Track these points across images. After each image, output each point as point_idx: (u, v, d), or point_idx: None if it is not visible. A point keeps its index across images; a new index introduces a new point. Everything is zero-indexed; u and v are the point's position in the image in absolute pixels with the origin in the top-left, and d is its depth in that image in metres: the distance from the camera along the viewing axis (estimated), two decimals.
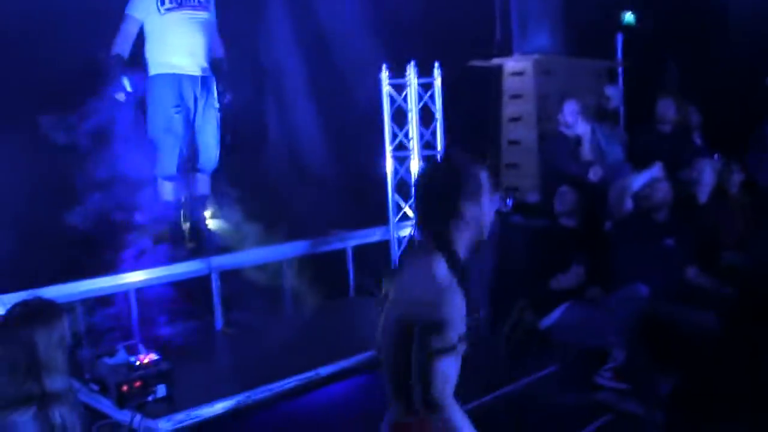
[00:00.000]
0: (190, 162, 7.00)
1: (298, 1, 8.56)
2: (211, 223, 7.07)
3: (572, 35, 10.08)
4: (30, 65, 6.35)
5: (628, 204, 7.09)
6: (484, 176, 3.21)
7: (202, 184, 7.08)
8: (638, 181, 7.12)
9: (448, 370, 2.99)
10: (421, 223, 3.27)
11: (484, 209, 3.20)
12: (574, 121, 8.43)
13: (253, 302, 6.83)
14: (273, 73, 8.51)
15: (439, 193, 3.19)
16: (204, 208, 7.09)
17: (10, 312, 3.64)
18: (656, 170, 7.17)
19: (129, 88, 6.54)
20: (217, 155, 7.05)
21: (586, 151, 8.51)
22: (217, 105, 6.98)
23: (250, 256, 6.88)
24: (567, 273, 6.94)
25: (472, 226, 3.19)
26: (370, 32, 8.39)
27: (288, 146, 8.34)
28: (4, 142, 5.88)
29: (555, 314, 6.86)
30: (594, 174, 8.06)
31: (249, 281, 6.81)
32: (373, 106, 7.82)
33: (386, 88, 7.75)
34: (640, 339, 6.31)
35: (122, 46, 6.64)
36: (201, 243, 6.93)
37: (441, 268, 3.08)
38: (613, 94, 9.38)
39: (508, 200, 8.40)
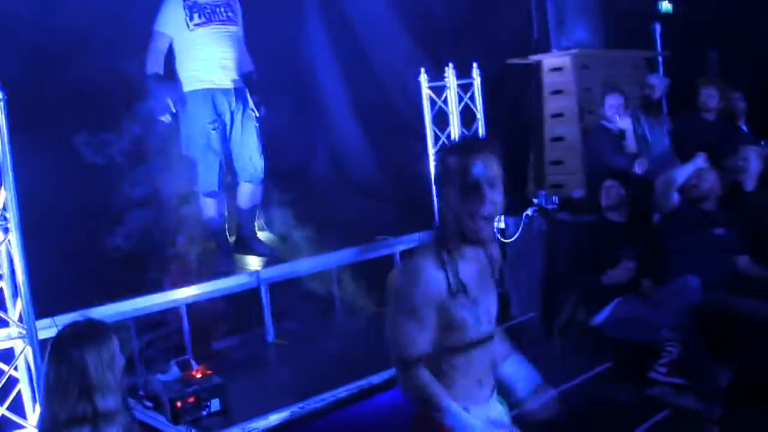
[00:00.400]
0: (233, 175, 7.01)
1: (335, 7, 8.58)
2: (259, 235, 7.11)
3: (610, 27, 10.02)
4: (65, 83, 6.43)
5: (675, 197, 7.00)
6: (456, 163, 3.12)
7: (252, 195, 7.07)
8: (683, 172, 7.04)
9: (411, 335, 3.12)
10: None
11: (454, 199, 3.12)
12: (616, 114, 8.36)
13: (303, 312, 6.86)
14: (313, 82, 8.54)
15: (438, 183, 3.22)
16: (255, 219, 7.10)
17: (60, 334, 3.66)
18: (700, 161, 7.09)
19: (173, 109, 6.58)
20: (263, 165, 7.03)
21: (631, 144, 8.43)
22: (255, 115, 6.96)
23: (298, 266, 6.89)
24: (617, 268, 6.88)
25: (454, 219, 3.14)
26: (407, 36, 8.40)
27: (331, 154, 8.36)
28: (44, 162, 5.94)
29: (607, 310, 6.81)
30: (639, 166, 7.97)
31: (298, 291, 6.84)
32: (413, 109, 7.82)
33: (426, 91, 7.76)
34: (694, 332, 6.23)
35: (157, 65, 6.66)
36: (249, 255, 6.96)
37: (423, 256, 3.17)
38: (657, 83, 9.26)
39: (553, 197, 8.36)
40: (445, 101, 7.84)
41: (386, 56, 8.26)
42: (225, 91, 6.84)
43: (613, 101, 8.37)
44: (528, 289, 7.73)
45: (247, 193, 7.06)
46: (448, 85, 7.82)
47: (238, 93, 6.91)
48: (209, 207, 6.85)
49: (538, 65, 9.37)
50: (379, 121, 8.44)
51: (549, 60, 9.35)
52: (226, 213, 6.97)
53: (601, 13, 9.95)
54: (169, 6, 6.71)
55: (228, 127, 6.89)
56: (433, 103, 7.80)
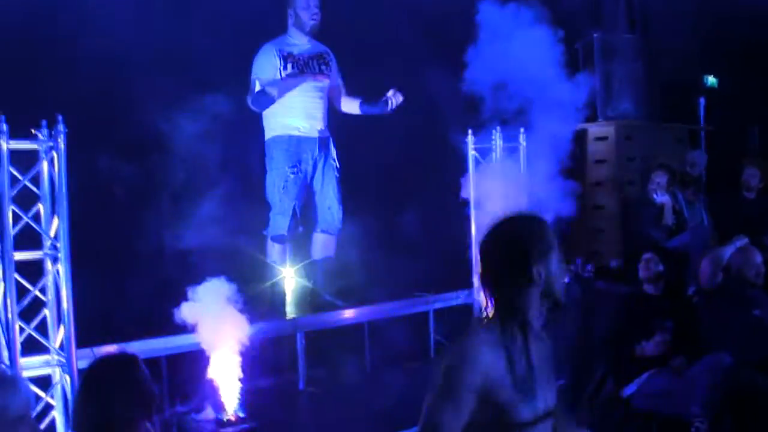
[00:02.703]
0: (309, 224, 7.08)
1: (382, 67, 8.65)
2: (297, 283, 7.12)
3: (655, 99, 10.08)
4: (123, 118, 6.56)
5: (719, 276, 7.00)
6: (551, 234, 3.03)
7: (326, 245, 7.13)
8: (727, 252, 7.05)
9: (444, 420, 2.82)
10: (488, 288, 3.04)
11: (554, 270, 2.98)
12: (657, 189, 8.41)
13: (336, 361, 6.87)
14: (361, 136, 8.59)
15: (507, 256, 2.99)
16: (326, 270, 7.11)
17: (91, 367, 3.70)
18: (743, 242, 7.10)
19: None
20: (341, 216, 7.11)
21: (669, 218, 8.46)
22: (336, 165, 7.05)
23: (336, 317, 6.92)
24: (650, 340, 6.86)
25: (543, 290, 2.98)
26: (455, 96, 8.45)
27: (374, 209, 8.38)
28: (97, 192, 6.03)
29: (638, 382, 6.78)
30: (677, 241, 8.01)
31: (333, 341, 6.86)
32: (458, 168, 7.86)
33: (472, 152, 7.81)
34: (724, 409, 6.20)
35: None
36: (316, 305, 6.97)
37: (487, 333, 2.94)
38: (698, 159, 9.33)
39: (588, 265, 8.37)
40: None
41: (433, 113, 8.31)
42: (309, 140, 6.94)
43: (658, 179, 8.42)
44: (559, 355, 7.70)
45: (321, 242, 7.13)
46: (494, 147, 7.88)
47: (322, 143, 7.01)
48: (274, 251, 6.91)
49: (583, 133, 9.44)
50: (422, 178, 8.48)
51: (594, 129, 9.42)
52: (288, 259, 7.00)
53: (647, 85, 10.02)
54: (265, 53, 6.90)
55: (309, 176, 6.96)
56: (477, 163, 7.85)
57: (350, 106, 7.31)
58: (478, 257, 3.08)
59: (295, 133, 6.89)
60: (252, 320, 5.78)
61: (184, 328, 5.54)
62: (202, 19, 6.97)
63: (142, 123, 6.46)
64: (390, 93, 7.06)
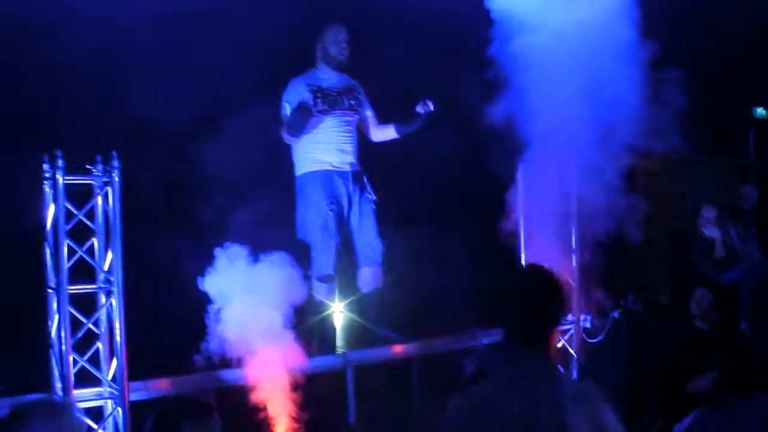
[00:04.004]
0: (346, 259, 7.03)
1: None
2: (346, 317, 7.12)
3: (704, 133, 10.01)
4: (178, 156, 6.66)
5: None
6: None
7: (372, 278, 7.08)
8: None
9: None
10: (520, 334, 3.10)
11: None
12: (707, 224, 8.36)
13: (384, 397, 6.86)
14: (405, 167, 8.60)
15: (542, 301, 3.06)
16: (377, 302, 7.08)
17: (160, 411, 3.73)
18: None
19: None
20: (381, 248, 7.07)
21: (719, 252, 8.40)
22: (373, 198, 7.03)
23: (385, 352, 6.88)
24: (702, 377, 6.80)
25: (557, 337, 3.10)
26: (501, 124, 8.43)
27: (421, 241, 8.38)
28: (145, 227, 6.10)
29: (689, 419, 6.71)
30: (729, 276, 7.95)
31: (382, 376, 6.85)
32: (506, 200, 7.83)
33: (519, 183, 7.78)
34: None
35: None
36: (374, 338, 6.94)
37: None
38: (749, 193, 9.26)
39: (638, 301, 8.32)
40: None
41: (483, 150, 8.29)
42: (343, 174, 6.91)
43: (707, 213, 8.38)
44: (608, 391, 7.65)
45: (367, 276, 7.08)
46: (539, 179, 7.83)
47: (356, 177, 6.99)
48: (322, 291, 6.83)
49: (633, 168, 9.39)
50: (472, 210, 8.47)
51: (644, 163, 9.38)
52: (335, 294, 6.97)
53: (697, 118, 9.96)
54: (295, 88, 6.90)
55: (346, 211, 6.93)
56: (526, 196, 7.81)
57: (385, 133, 7.31)
58: (507, 301, 3.17)
59: (328, 167, 6.87)
60: (303, 355, 5.79)
61: (236, 362, 5.57)
62: (244, 54, 7.06)
63: (192, 157, 6.54)
64: (418, 106, 7.05)
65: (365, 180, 7.07)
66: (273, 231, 6.23)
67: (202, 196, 6.62)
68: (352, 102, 7.06)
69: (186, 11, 6.76)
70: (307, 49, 7.07)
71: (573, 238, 7.81)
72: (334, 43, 6.97)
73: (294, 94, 6.86)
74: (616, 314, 7.99)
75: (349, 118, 7.02)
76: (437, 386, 6.97)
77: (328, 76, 7.03)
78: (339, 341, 6.83)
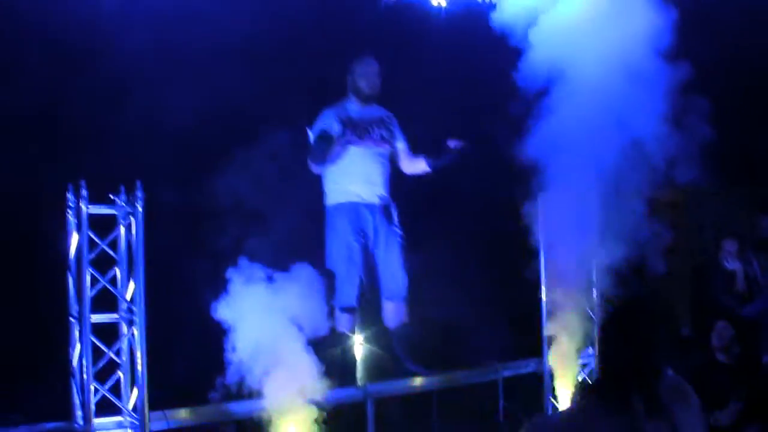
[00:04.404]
0: (369, 291, 6.97)
1: None
2: (367, 349, 7.09)
3: (726, 164, 9.98)
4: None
5: None
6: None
7: (396, 312, 7.00)
8: None
9: None
10: (629, 377, 2.84)
11: None
12: (729, 257, 8.33)
13: (405, 429, 6.83)
14: (430, 201, 8.58)
15: (652, 341, 2.83)
16: (403, 336, 6.99)
17: None
18: None
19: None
20: (406, 282, 6.99)
21: (741, 285, 8.36)
22: (399, 232, 6.98)
23: (405, 384, 6.85)
24: (724, 410, 6.76)
25: None
26: (521, 158, 8.43)
27: (443, 275, 8.36)
28: (168, 257, 6.11)
29: None
30: (751, 308, 7.91)
31: (402, 407, 6.82)
32: (527, 234, 7.82)
33: (540, 218, 7.76)
34: None
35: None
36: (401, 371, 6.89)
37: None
38: None
39: None
40: None
41: (498, 182, 8.28)
42: (370, 206, 6.86)
43: (729, 246, 8.35)
44: None
45: (391, 310, 7.00)
46: (559, 212, 7.80)
47: (384, 209, 6.94)
48: (344, 322, 6.78)
49: (653, 200, 9.36)
50: (493, 246, 8.46)
51: (664, 195, 9.34)
52: (356, 326, 6.94)
53: (718, 149, 9.93)
54: (326, 118, 6.85)
55: (371, 243, 6.88)
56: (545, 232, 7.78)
57: (416, 166, 7.24)
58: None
59: (356, 199, 6.83)
60: (323, 386, 5.78)
61: (256, 393, 5.56)
62: (269, 85, 7.09)
63: (218, 187, 6.56)
64: (450, 141, 6.96)
65: (393, 212, 7.02)
66: (296, 261, 6.24)
67: (228, 226, 6.62)
68: (384, 133, 7.00)
69: (209, 41, 6.81)
70: (336, 78, 7.06)
71: (593, 271, 7.78)
72: (364, 76, 6.93)
73: (321, 124, 6.84)
74: None
75: (380, 149, 6.98)
76: (457, 419, 6.96)
77: (358, 107, 6.97)
78: (359, 373, 6.81)
